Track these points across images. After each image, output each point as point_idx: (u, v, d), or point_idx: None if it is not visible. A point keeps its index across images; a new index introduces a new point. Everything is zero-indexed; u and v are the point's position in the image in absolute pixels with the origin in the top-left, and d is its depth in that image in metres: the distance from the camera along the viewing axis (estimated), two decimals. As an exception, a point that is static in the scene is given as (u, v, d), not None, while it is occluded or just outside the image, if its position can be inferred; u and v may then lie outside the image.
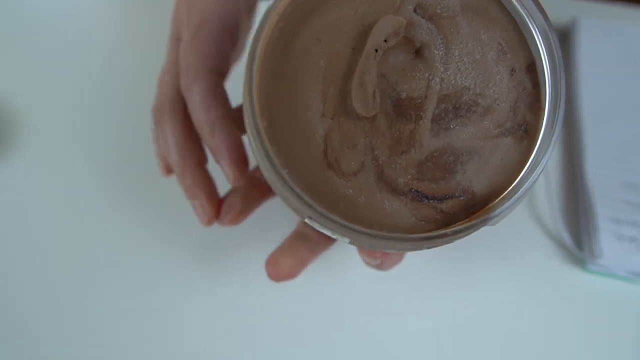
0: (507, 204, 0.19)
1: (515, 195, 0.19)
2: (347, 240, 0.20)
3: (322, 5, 0.20)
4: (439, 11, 0.20)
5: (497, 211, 0.19)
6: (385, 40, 0.19)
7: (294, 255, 0.28)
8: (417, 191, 0.19)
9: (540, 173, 0.20)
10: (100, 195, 0.37)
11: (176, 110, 0.28)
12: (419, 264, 0.36)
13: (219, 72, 0.27)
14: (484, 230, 0.35)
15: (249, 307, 0.34)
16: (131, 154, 0.39)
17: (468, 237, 0.35)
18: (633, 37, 0.46)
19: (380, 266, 0.30)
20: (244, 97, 0.19)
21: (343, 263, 0.36)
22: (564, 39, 0.47)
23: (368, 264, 0.30)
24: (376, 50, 0.19)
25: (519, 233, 0.38)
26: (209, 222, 0.28)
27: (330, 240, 0.31)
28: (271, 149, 0.19)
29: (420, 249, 0.20)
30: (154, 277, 0.35)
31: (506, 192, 0.19)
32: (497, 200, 0.19)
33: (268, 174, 0.19)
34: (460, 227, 0.19)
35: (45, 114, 0.41)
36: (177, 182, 0.29)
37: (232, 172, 0.27)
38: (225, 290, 0.35)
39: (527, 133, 0.20)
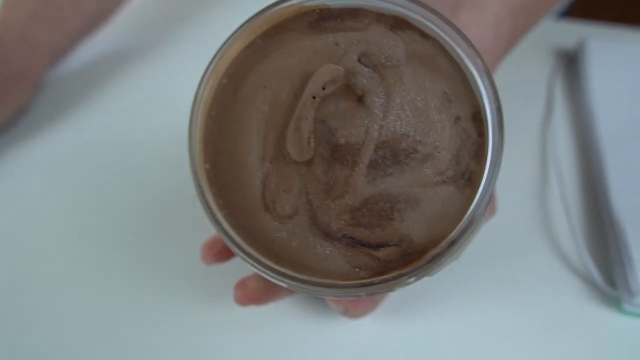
0: (446, 253, 0.19)
1: (455, 245, 0.19)
2: (283, 284, 0.20)
3: (270, 54, 0.21)
4: (383, 60, 0.21)
5: (435, 261, 0.19)
6: (324, 88, 0.20)
7: (264, 281, 0.29)
8: (351, 237, 0.19)
9: (481, 222, 0.20)
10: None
11: None
12: (434, 313, 0.34)
13: None
14: (502, 270, 0.35)
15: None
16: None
17: (484, 278, 0.34)
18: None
19: (347, 313, 0.29)
20: (188, 138, 0.20)
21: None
22: (572, 62, 0.46)
23: (335, 310, 0.30)
24: (314, 97, 0.19)
25: (541, 273, 0.35)
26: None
27: None
28: (210, 190, 0.20)
29: (357, 295, 0.20)
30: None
31: (444, 242, 0.19)
32: (435, 250, 0.19)
33: (206, 216, 0.20)
34: (392, 275, 0.18)
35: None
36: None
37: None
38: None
39: (470, 181, 0.20)
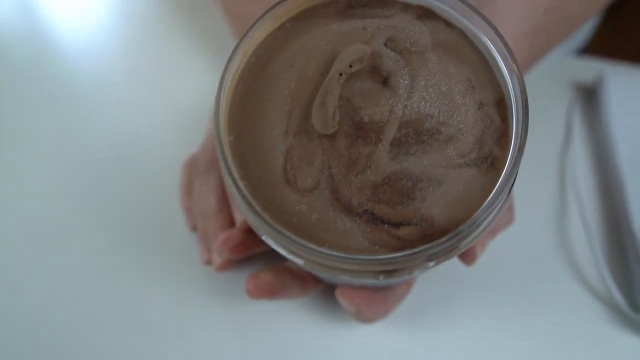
0: (468, 236, 0.19)
1: (477, 229, 0.19)
2: (299, 261, 0.19)
3: (299, 36, 0.22)
4: (408, 46, 0.21)
5: (456, 243, 0.18)
6: (350, 66, 0.20)
7: (276, 276, 0.29)
8: (372, 213, 0.19)
9: (503, 206, 0.19)
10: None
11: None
12: (448, 328, 0.33)
13: None
14: (520, 290, 0.34)
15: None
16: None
17: (503, 301, 0.33)
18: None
19: (359, 315, 0.28)
20: (214, 111, 0.20)
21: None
22: (590, 94, 0.46)
23: (347, 311, 0.29)
24: (340, 74, 0.20)
25: (563, 297, 0.34)
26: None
27: (314, 281, 0.30)
28: (233, 162, 0.20)
29: (375, 277, 0.19)
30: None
31: (467, 223, 0.19)
32: (456, 231, 0.19)
33: (228, 186, 0.20)
34: (411, 251, 0.18)
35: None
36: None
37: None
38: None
39: (493, 166, 0.20)
